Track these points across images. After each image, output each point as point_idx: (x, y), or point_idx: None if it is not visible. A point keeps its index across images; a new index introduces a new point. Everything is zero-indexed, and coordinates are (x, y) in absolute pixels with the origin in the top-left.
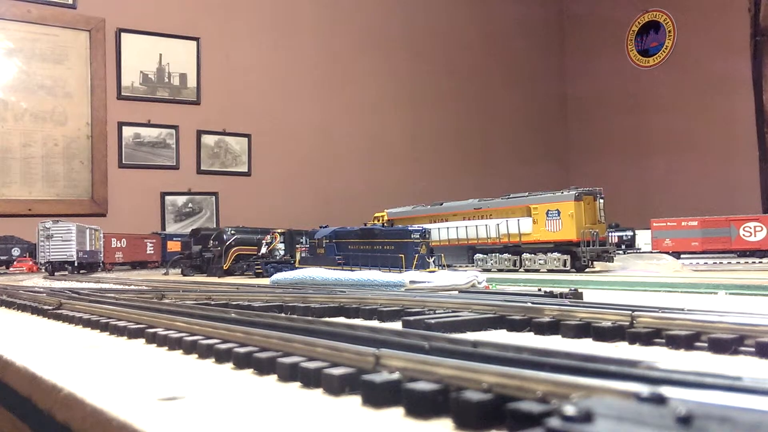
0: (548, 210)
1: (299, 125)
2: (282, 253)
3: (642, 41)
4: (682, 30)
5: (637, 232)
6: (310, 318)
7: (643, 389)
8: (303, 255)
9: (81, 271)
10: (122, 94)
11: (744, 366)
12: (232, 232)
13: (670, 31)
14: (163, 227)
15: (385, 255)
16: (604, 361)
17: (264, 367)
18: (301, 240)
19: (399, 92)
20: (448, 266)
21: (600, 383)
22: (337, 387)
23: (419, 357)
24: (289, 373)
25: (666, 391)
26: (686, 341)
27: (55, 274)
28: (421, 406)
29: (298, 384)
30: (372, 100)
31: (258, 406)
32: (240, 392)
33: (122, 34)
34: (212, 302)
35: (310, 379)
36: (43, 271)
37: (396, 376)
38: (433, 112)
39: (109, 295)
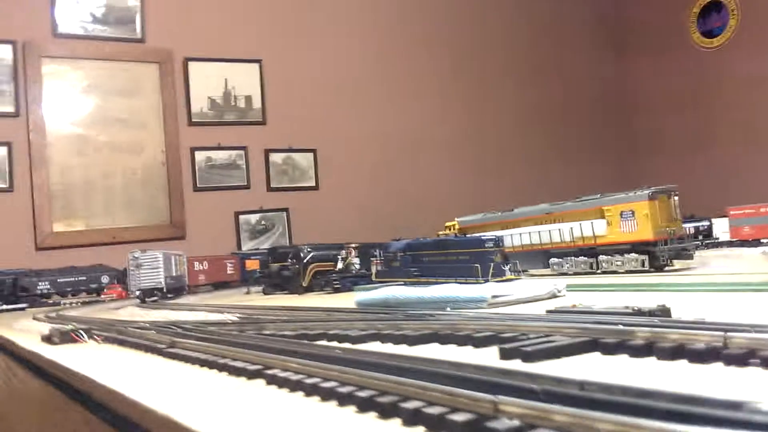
0: (622, 211)
1: (363, 137)
2: (357, 267)
3: (704, 23)
4: (746, 6)
5: (714, 221)
6: (413, 357)
7: None
8: (378, 268)
9: (169, 296)
10: (192, 120)
11: None
12: (309, 249)
13: (733, 10)
14: (239, 245)
15: (461, 265)
16: (709, 403)
17: (388, 412)
18: (375, 253)
19: (458, 95)
20: (523, 272)
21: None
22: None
23: (536, 405)
24: (413, 419)
25: None
26: None
27: (146, 300)
28: None
29: (422, 428)
30: (433, 107)
31: None
32: None
33: (189, 63)
34: (309, 334)
35: (435, 424)
36: (134, 297)
37: (516, 423)
38: (494, 116)
39: (211, 329)
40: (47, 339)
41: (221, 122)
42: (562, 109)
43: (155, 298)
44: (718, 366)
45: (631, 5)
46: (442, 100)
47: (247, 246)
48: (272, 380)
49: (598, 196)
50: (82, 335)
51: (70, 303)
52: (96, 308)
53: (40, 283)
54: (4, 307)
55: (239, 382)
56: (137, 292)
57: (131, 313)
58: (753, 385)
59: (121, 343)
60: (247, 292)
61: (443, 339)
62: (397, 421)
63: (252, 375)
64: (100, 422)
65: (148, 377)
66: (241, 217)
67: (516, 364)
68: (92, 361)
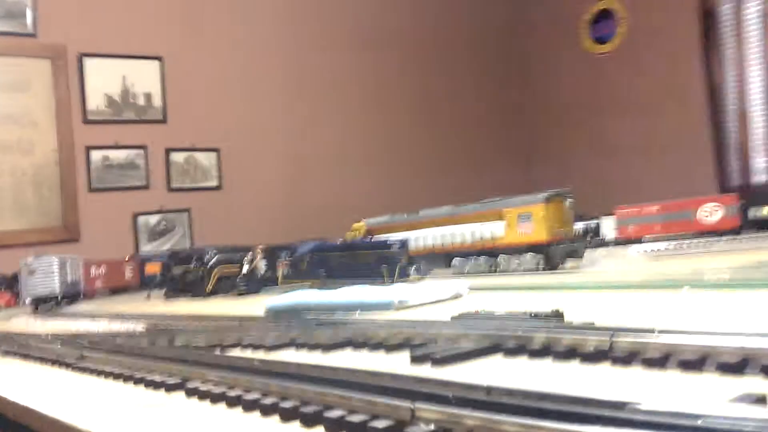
0: (519, 214)
1: (268, 137)
2: (264, 270)
3: (596, 29)
4: (633, 16)
5: (602, 219)
6: (333, 367)
7: None
8: (286, 271)
9: (64, 303)
10: (88, 118)
11: (707, 384)
12: (213, 251)
13: (622, 17)
14: (137, 248)
15: (368, 267)
16: (598, 404)
17: (310, 420)
18: (282, 255)
19: (368, 97)
20: (428, 273)
21: (601, 430)
22: None
23: (449, 410)
24: (336, 427)
25: None
26: (659, 362)
27: (40, 308)
28: None
29: None
30: (339, 107)
31: None
32: None
33: (84, 59)
34: (223, 344)
35: (358, 431)
36: (27, 306)
37: (432, 427)
38: (399, 118)
39: (120, 342)
40: None
41: (119, 120)
42: (468, 115)
43: (49, 306)
44: (606, 366)
45: (528, 12)
46: (351, 101)
47: (145, 249)
48: (193, 393)
49: (498, 199)
50: None
51: None
52: None
53: None
54: None
55: (158, 396)
56: (29, 300)
57: (26, 323)
58: (635, 385)
59: (24, 357)
60: (148, 297)
61: (356, 345)
62: (320, 430)
63: (171, 388)
64: None
65: (62, 392)
66: (140, 218)
67: (426, 369)
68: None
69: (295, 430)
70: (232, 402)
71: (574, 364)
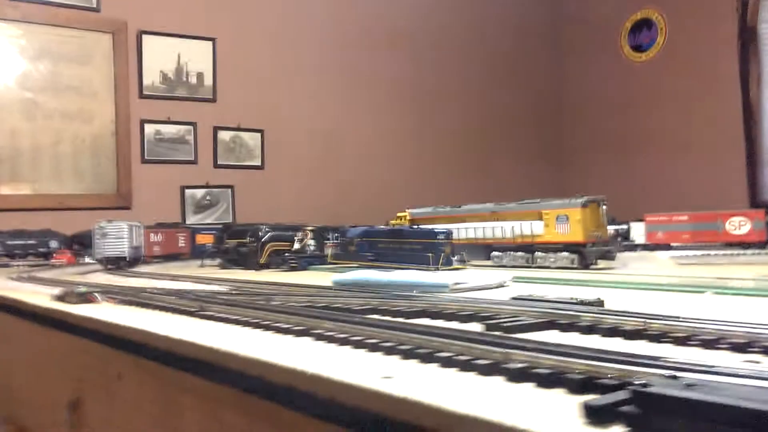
0: (558, 215)
1: (311, 122)
2: (313, 248)
3: (635, 38)
4: (673, 27)
5: (632, 224)
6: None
7: (665, 372)
8: (334, 251)
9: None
10: (144, 93)
11: (720, 358)
12: (267, 229)
13: (662, 28)
14: (184, 219)
15: (413, 254)
16: (642, 357)
17: (425, 358)
18: (330, 236)
19: (412, 90)
20: (468, 262)
21: (646, 370)
22: (486, 371)
23: (534, 354)
24: (447, 364)
25: (678, 374)
26: (683, 340)
27: (109, 267)
28: (544, 382)
29: (455, 369)
30: (381, 99)
31: (437, 381)
32: (423, 372)
33: (143, 36)
34: (316, 305)
35: (464, 367)
36: (84, 264)
37: (523, 365)
38: (435, 113)
39: (232, 298)
40: (60, 299)
41: (172, 97)
42: (505, 112)
43: (117, 265)
44: (643, 342)
45: (568, 15)
46: (395, 93)
47: (191, 220)
48: (319, 337)
49: (538, 200)
50: (97, 297)
51: (19, 266)
52: (59, 272)
53: None
54: None
55: (288, 338)
56: (102, 260)
57: (107, 279)
58: (666, 352)
59: (143, 305)
60: (202, 266)
61: (431, 315)
62: (435, 365)
63: (299, 333)
64: (150, 362)
65: (199, 330)
66: (187, 191)
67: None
68: (132, 318)
69: (409, 363)
70: (355, 344)
71: (617, 340)
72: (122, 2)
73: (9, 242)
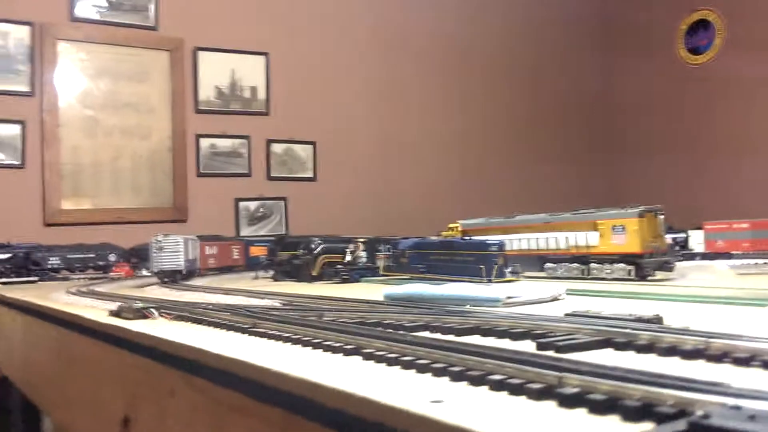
0: (614, 225)
1: (362, 134)
2: (364, 260)
3: (691, 39)
4: (732, 27)
5: (690, 233)
6: (488, 346)
7: (728, 401)
8: (386, 263)
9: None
10: (199, 108)
11: None
12: (319, 241)
13: (719, 29)
14: (238, 231)
15: (466, 265)
16: (702, 383)
17: (475, 381)
18: (381, 248)
19: (461, 99)
20: (521, 274)
21: (706, 398)
22: (538, 396)
23: (589, 379)
24: (498, 387)
25: (740, 401)
26: (745, 361)
27: (165, 280)
28: (599, 408)
29: (506, 393)
30: (431, 108)
31: (487, 405)
32: (474, 395)
33: (198, 52)
34: (367, 321)
35: (515, 390)
36: (141, 276)
37: (577, 390)
38: (484, 119)
39: (284, 314)
40: (116, 314)
41: (227, 111)
42: (556, 113)
43: (173, 279)
44: (702, 362)
45: (622, 15)
46: (445, 102)
47: (245, 232)
48: (369, 357)
49: (593, 210)
50: (153, 312)
51: (78, 279)
52: (116, 285)
53: (51, 258)
54: (15, 279)
55: (337, 357)
56: (159, 273)
57: (163, 292)
58: (729, 376)
59: (197, 321)
60: (256, 278)
61: (484, 332)
62: (485, 388)
63: (348, 352)
64: (201, 380)
65: (251, 348)
66: (241, 203)
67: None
68: (186, 334)
69: (464, 387)
70: (405, 365)
71: (675, 360)
72: (179, 20)
73: (69, 256)
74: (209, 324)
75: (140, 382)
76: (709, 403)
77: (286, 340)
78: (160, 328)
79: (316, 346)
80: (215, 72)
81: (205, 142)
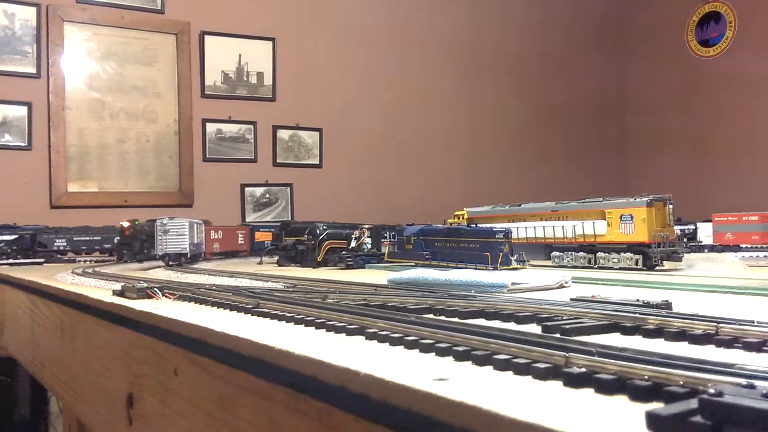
0: (622, 214)
1: (367, 122)
2: (369, 246)
3: (702, 32)
4: (743, 20)
5: (699, 225)
6: (482, 326)
7: (742, 381)
8: (391, 249)
9: (188, 259)
10: (205, 92)
11: None
12: (324, 227)
13: (730, 22)
14: (243, 216)
15: (471, 252)
16: (713, 363)
17: (480, 360)
18: (386, 235)
19: (467, 88)
20: (527, 262)
21: (718, 378)
22: (544, 375)
23: (596, 358)
24: (503, 367)
25: (755, 382)
26: (757, 346)
27: (170, 264)
28: (606, 388)
29: (511, 372)
30: (437, 97)
31: (492, 384)
32: (478, 374)
33: (206, 37)
34: (370, 303)
35: (521, 370)
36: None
37: (584, 370)
38: (493, 109)
39: (288, 295)
40: (120, 294)
41: (233, 96)
42: (564, 108)
43: (176, 262)
44: (711, 348)
45: (631, 8)
46: (451, 92)
47: (250, 217)
48: (372, 336)
49: (601, 199)
50: (156, 292)
51: (84, 261)
52: (121, 267)
53: (57, 240)
54: (21, 260)
55: (340, 337)
56: (164, 256)
57: (167, 274)
58: (739, 358)
59: (201, 301)
60: (260, 263)
61: (488, 316)
62: (489, 368)
63: (351, 332)
64: (205, 359)
65: (255, 327)
66: (247, 189)
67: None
68: (189, 314)
69: (469, 366)
70: (408, 345)
71: (684, 345)
72: (186, 4)
73: (75, 238)
74: (213, 304)
75: (145, 362)
76: (722, 383)
77: (290, 320)
78: (164, 307)
79: (319, 326)
80: (222, 57)
81: (211, 127)
